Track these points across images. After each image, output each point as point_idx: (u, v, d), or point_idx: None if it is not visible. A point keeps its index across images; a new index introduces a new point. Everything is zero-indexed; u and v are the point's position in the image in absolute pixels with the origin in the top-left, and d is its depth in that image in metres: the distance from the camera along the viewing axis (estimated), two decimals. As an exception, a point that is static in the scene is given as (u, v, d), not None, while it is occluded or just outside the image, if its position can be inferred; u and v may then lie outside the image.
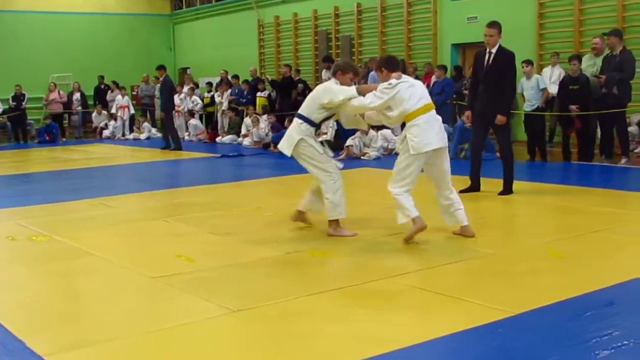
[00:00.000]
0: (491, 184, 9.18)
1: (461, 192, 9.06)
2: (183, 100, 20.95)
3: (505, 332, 4.15)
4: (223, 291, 5.13)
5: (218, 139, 19.41)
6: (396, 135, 13.42)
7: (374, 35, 19.58)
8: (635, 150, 13.35)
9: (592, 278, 5.23)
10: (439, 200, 6.77)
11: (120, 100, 22.38)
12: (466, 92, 13.18)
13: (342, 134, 14.83)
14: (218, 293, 5.05)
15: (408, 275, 5.41)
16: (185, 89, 21.36)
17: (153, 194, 10.21)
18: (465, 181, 9.28)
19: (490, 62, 8.94)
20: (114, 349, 4.07)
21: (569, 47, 14.88)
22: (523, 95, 13.34)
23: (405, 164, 6.47)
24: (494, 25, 8.95)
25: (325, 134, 14.54)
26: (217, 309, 4.68)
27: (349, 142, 14.11)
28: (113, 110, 22.47)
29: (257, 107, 18.79)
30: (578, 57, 12.38)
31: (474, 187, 9.21)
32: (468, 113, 9.49)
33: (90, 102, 23.92)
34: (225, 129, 19.67)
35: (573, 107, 12.02)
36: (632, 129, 13.22)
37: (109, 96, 23.40)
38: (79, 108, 23.28)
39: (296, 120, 6.91)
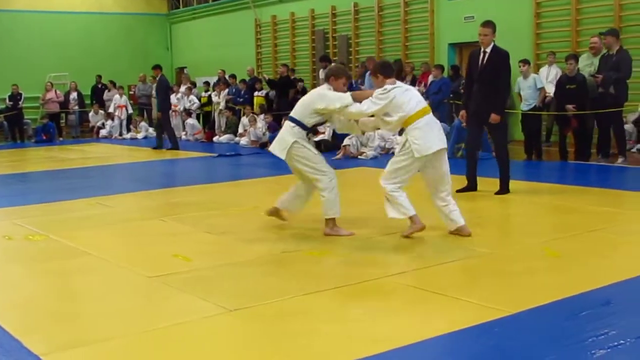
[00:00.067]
0: (488, 184, 9.18)
1: (458, 191, 9.10)
2: (180, 100, 20.94)
3: (502, 331, 4.15)
4: (219, 290, 5.13)
5: (215, 139, 19.41)
6: (393, 135, 13.44)
7: (371, 35, 19.60)
8: (633, 150, 13.38)
9: (588, 277, 5.24)
10: (434, 202, 6.78)
11: (118, 100, 22.37)
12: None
13: (340, 133, 14.82)
14: (214, 292, 5.05)
15: (404, 275, 5.41)
16: (183, 88, 21.34)
17: (150, 194, 10.20)
18: (462, 181, 9.29)
19: (484, 61, 8.95)
20: (110, 348, 4.07)
21: (565, 46, 14.90)
22: (520, 95, 13.37)
23: (404, 164, 6.51)
24: (489, 24, 8.97)
25: (323, 133, 14.54)
26: (213, 308, 4.67)
27: (346, 141, 14.10)
28: (111, 110, 22.45)
29: (254, 106, 18.79)
30: (575, 57, 12.39)
31: (471, 186, 9.22)
32: (462, 112, 9.51)
33: (87, 101, 23.90)
34: (223, 129, 19.67)
35: (570, 106, 12.03)
36: (627, 127, 13.24)
37: (106, 95, 23.38)
38: (76, 107, 23.25)
39: (288, 123, 6.91)
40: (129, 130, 22.08)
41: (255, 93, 19.29)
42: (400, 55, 18.44)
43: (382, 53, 19.23)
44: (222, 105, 19.80)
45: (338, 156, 13.85)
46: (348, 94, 6.74)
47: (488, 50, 8.94)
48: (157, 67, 17.77)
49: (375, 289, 5.09)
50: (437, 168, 6.64)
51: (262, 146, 16.63)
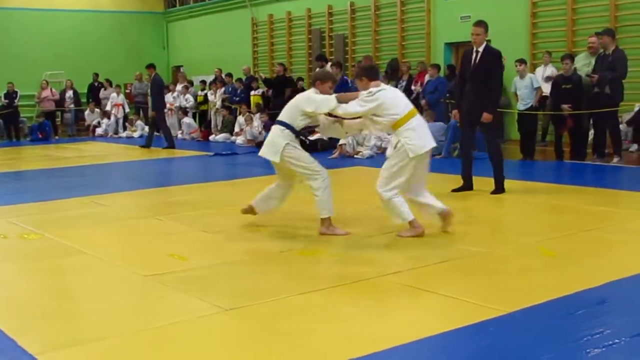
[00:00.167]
0: (484, 183, 9.19)
1: (454, 191, 9.14)
2: (176, 99, 20.94)
3: (497, 330, 4.15)
4: (215, 289, 5.12)
5: (211, 138, 19.41)
6: (389, 135, 13.44)
7: (368, 34, 19.61)
8: (630, 149, 13.40)
9: (583, 277, 5.24)
10: (416, 199, 6.84)
11: (115, 98, 22.37)
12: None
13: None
14: (210, 291, 5.05)
15: (399, 274, 5.41)
16: (179, 87, 21.34)
17: (145, 192, 10.19)
18: (458, 180, 9.31)
19: (477, 60, 8.98)
20: (105, 347, 4.06)
21: (561, 46, 14.93)
22: (517, 94, 13.38)
23: (399, 167, 6.55)
24: (481, 24, 9.00)
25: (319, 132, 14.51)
26: (209, 308, 4.67)
27: (342, 140, 14.09)
28: (108, 108, 22.44)
29: (251, 105, 18.78)
30: (570, 57, 12.41)
31: (467, 186, 9.23)
32: (455, 112, 9.54)
33: (83, 99, 23.87)
34: (219, 128, 19.66)
35: (565, 106, 12.05)
36: (622, 126, 13.26)
37: (101, 94, 23.38)
38: (72, 106, 23.23)
39: (278, 127, 6.93)
40: (125, 128, 22.06)
41: (252, 92, 19.28)
42: (396, 55, 18.47)
43: (379, 52, 19.26)
44: (219, 104, 19.79)
45: (334, 155, 13.86)
46: (333, 96, 6.82)
47: (480, 49, 8.97)
48: (150, 66, 17.75)
49: (371, 288, 5.09)
50: (424, 166, 6.73)
51: (258, 145, 16.54)
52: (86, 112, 23.29)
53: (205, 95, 20.91)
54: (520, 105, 13.19)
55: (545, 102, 13.32)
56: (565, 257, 5.89)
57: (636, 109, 13.41)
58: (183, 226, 7.50)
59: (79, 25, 25.88)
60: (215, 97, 20.07)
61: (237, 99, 19.38)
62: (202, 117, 21.22)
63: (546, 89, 13.27)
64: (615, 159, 11.82)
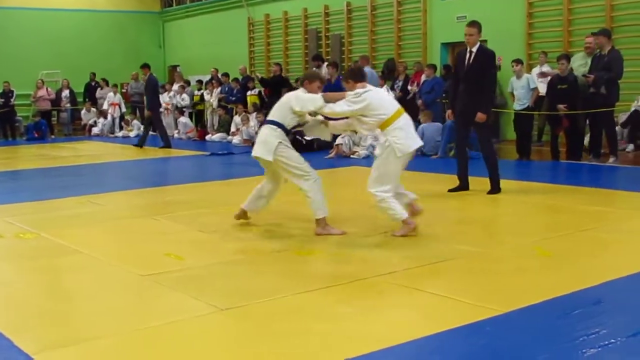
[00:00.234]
0: (480, 183, 9.19)
1: (450, 191, 9.15)
2: (172, 98, 20.92)
3: (493, 330, 4.16)
4: (211, 289, 5.12)
5: (207, 137, 19.41)
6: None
7: (364, 34, 19.61)
8: (627, 150, 13.42)
9: (579, 277, 5.25)
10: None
11: (112, 98, 22.35)
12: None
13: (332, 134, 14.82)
14: (206, 291, 5.04)
15: (396, 274, 5.41)
16: (176, 86, 21.32)
17: (142, 192, 10.18)
18: (454, 180, 9.31)
19: (471, 61, 8.99)
20: (101, 347, 4.06)
21: (557, 46, 14.96)
22: (513, 94, 13.40)
23: (389, 166, 6.62)
24: (474, 24, 9.03)
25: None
26: (205, 307, 4.67)
27: (338, 140, 14.10)
28: (105, 107, 22.43)
29: (248, 105, 18.78)
30: (566, 57, 12.42)
31: (463, 186, 9.24)
32: (449, 112, 9.56)
33: (80, 99, 23.85)
34: (215, 127, 19.65)
35: (561, 106, 12.06)
36: (617, 128, 13.28)
37: (98, 93, 23.36)
38: (68, 105, 23.20)
39: (269, 126, 6.95)
40: (121, 128, 22.03)
41: (249, 92, 19.28)
42: (393, 55, 18.48)
43: (375, 52, 19.27)
44: (215, 103, 19.78)
45: (331, 155, 13.86)
46: (320, 95, 6.87)
47: (474, 49, 8.99)
48: (145, 66, 17.75)
49: (367, 288, 5.10)
50: (405, 165, 6.81)
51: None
52: (82, 112, 23.28)
53: (202, 95, 20.90)
54: (517, 106, 13.21)
55: (542, 103, 13.33)
56: (561, 257, 5.89)
57: (633, 108, 13.44)
58: (179, 226, 7.50)
59: (76, 24, 25.84)
60: (212, 97, 20.06)
61: (234, 98, 19.38)
62: (199, 117, 21.21)
63: (542, 88, 13.28)
64: (611, 159, 11.84)
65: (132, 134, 21.29)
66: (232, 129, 18.51)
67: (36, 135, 21.03)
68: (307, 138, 14.42)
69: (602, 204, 8.35)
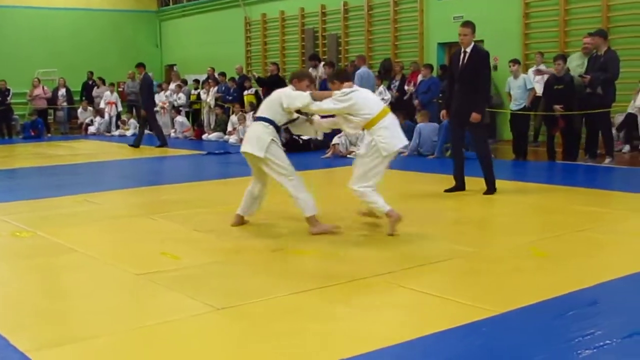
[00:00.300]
0: (476, 183, 9.19)
1: (446, 191, 9.15)
2: (169, 97, 20.90)
3: (489, 331, 4.16)
4: (207, 289, 5.12)
5: (204, 136, 19.39)
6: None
7: (361, 34, 19.62)
8: (623, 150, 13.44)
9: (575, 277, 5.26)
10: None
11: (108, 96, 22.32)
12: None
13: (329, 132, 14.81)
14: (202, 290, 5.04)
15: (392, 274, 5.41)
16: (172, 85, 21.30)
17: (138, 191, 10.18)
18: (451, 180, 9.32)
19: (465, 61, 9.01)
20: (97, 346, 4.05)
21: (554, 47, 14.98)
22: (510, 95, 13.41)
23: (373, 165, 6.71)
24: (468, 24, 9.05)
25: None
26: (201, 307, 4.67)
27: (335, 140, 14.10)
28: (102, 106, 22.40)
29: (245, 104, 18.77)
30: (563, 57, 12.44)
31: (459, 186, 9.25)
32: (444, 112, 9.57)
33: (77, 97, 23.81)
34: (212, 127, 19.64)
35: (557, 106, 12.08)
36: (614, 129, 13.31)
37: (94, 92, 23.32)
38: (64, 104, 23.17)
39: (261, 123, 6.96)
40: (117, 127, 22.02)
41: (245, 92, 19.27)
42: (389, 55, 18.49)
43: (372, 52, 19.27)
44: (212, 102, 19.77)
45: (327, 155, 13.86)
46: (307, 92, 6.93)
47: (468, 50, 9.01)
48: (140, 65, 17.75)
49: (363, 288, 5.10)
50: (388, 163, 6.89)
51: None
52: (79, 110, 23.23)
53: (198, 94, 20.88)
54: (513, 106, 13.22)
55: (538, 103, 13.35)
56: (557, 258, 5.90)
57: (629, 110, 13.46)
58: (175, 225, 7.49)
59: (73, 23, 25.82)
60: (208, 96, 20.05)
61: (230, 98, 19.37)
62: (195, 116, 21.19)
63: (538, 88, 13.30)
64: (607, 160, 11.86)
65: (128, 133, 21.26)
66: (229, 128, 18.50)
67: (33, 133, 21.00)
68: (304, 138, 14.43)
69: (598, 205, 8.36)
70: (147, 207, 8.83)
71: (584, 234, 6.77)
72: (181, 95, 20.92)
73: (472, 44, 9.03)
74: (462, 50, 9.05)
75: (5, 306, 4.92)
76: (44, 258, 6.24)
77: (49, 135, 21.77)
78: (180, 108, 20.88)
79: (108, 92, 22.47)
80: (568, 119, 12.10)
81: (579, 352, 3.80)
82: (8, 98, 21.23)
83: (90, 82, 23.77)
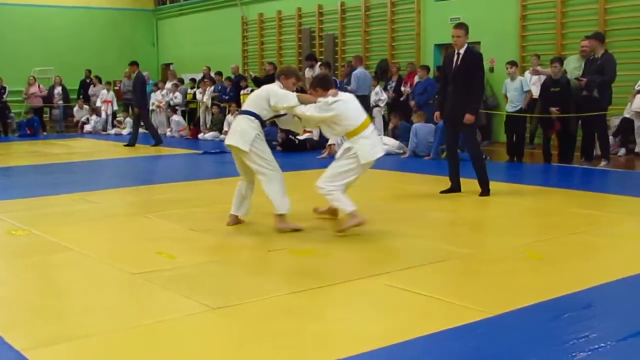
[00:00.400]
0: (472, 185, 9.20)
1: (442, 192, 9.16)
2: (165, 96, 20.88)
3: (484, 332, 4.17)
4: (203, 288, 5.12)
5: (200, 136, 19.39)
6: (379, 135, 13.45)
7: (358, 35, 19.63)
8: (619, 154, 13.47)
9: (570, 280, 5.27)
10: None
11: (104, 95, 22.30)
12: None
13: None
14: (198, 290, 5.04)
15: (387, 275, 5.42)
16: (169, 84, 21.28)
17: (134, 190, 10.17)
18: (446, 182, 9.33)
19: (458, 62, 9.03)
20: (92, 344, 4.05)
21: (551, 49, 15.00)
22: (506, 96, 13.43)
23: (347, 168, 6.83)
24: (461, 26, 9.08)
25: (311, 131, 14.50)
26: (197, 306, 4.67)
27: (331, 140, 14.06)
28: (98, 104, 22.38)
29: (241, 104, 18.75)
30: (559, 60, 12.46)
31: (454, 188, 9.25)
32: (437, 113, 9.59)
33: (73, 96, 23.78)
34: (208, 126, 19.64)
35: (553, 109, 12.10)
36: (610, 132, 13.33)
37: (90, 90, 23.30)
38: (60, 102, 23.14)
39: (246, 117, 6.98)
40: (113, 125, 22.00)
41: (242, 91, 19.26)
42: (386, 55, 18.50)
43: (368, 53, 19.29)
44: (208, 102, 19.76)
45: (323, 155, 13.85)
46: (294, 94, 6.98)
47: (462, 51, 9.03)
48: (134, 64, 17.76)
49: (359, 289, 5.10)
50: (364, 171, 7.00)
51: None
52: (75, 109, 23.22)
53: (195, 93, 20.87)
54: (509, 107, 13.23)
55: (534, 105, 13.37)
56: (552, 260, 5.91)
57: (625, 113, 13.49)
58: (171, 224, 7.49)
59: (70, 21, 25.79)
60: (204, 96, 20.04)
61: (226, 97, 19.37)
62: (191, 115, 21.18)
63: (535, 91, 13.32)
64: (603, 163, 11.88)
65: (124, 132, 21.26)
66: (225, 127, 18.48)
67: (28, 132, 20.99)
68: (300, 138, 14.43)
69: (593, 208, 8.37)
70: (143, 206, 8.83)
71: (580, 236, 6.79)
72: (177, 94, 20.91)
73: (466, 45, 9.05)
74: (456, 51, 9.07)
75: (0, 304, 4.91)
76: (39, 256, 6.23)
77: (45, 133, 21.76)
78: (177, 107, 20.87)
79: (104, 91, 22.47)
80: (564, 122, 12.12)
81: (573, 354, 3.81)
82: (4, 96, 21.21)
83: (88, 81, 23.75)
